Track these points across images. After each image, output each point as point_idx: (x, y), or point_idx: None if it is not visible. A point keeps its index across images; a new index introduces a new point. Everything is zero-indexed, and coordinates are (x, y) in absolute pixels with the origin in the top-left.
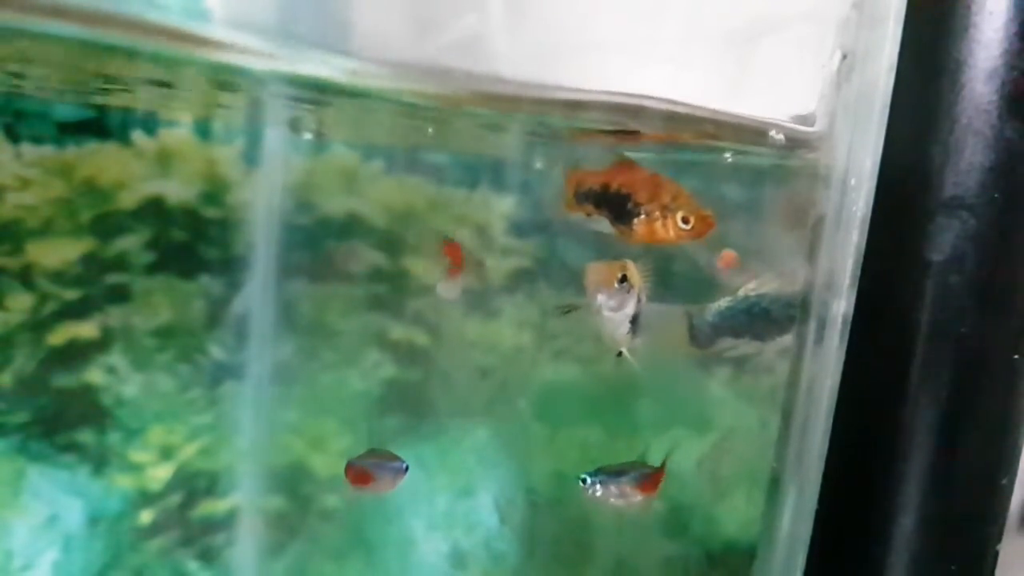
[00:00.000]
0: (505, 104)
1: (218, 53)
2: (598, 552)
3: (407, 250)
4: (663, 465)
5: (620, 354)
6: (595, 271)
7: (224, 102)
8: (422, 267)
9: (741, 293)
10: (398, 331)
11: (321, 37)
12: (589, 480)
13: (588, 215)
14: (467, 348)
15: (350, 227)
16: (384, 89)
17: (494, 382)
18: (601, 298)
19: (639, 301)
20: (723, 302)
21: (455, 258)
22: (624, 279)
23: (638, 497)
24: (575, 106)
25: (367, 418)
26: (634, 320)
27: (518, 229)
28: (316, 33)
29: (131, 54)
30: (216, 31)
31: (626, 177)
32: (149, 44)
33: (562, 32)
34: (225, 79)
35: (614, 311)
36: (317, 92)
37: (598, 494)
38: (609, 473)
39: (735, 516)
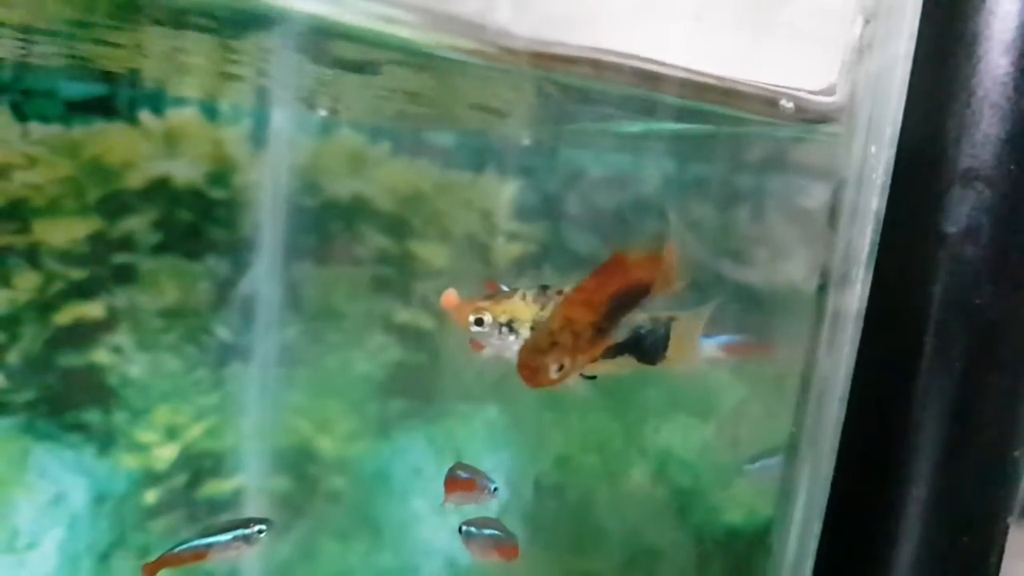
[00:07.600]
0: (515, 58)
1: None
2: (604, 530)
3: (413, 233)
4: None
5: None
6: (455, 307)
7: (234, 58)
8: (428, 251)
9: None
10: (404, 314)
11: None
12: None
13: None
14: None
15: (356, 209)
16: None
17: (500, 365)
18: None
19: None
20: None
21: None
22: (480, 322)
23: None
24: (597, 64)
25: (372, 400)
26: None
27: (523, 213)
28: None
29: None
30: None
31: None
32: None
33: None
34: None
35: (501, 352)
36: (336, 39)
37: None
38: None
39: (747, 497)
